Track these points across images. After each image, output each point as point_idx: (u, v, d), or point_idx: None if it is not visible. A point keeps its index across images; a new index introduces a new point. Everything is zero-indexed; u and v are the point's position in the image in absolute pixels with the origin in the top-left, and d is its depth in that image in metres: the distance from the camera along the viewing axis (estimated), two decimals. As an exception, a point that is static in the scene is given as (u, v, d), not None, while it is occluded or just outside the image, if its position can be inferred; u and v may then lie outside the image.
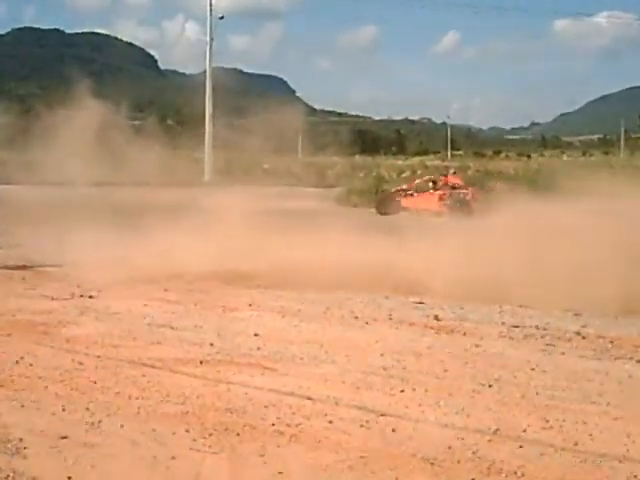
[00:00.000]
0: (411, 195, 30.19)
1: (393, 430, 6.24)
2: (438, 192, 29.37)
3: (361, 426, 6.30)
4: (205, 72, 48.34)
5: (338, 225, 18.33)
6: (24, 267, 14.34)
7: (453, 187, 29.54)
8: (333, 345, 8.98)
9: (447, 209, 27.75)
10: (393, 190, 31.96)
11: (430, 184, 30.45)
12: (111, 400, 6.77)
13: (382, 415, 6.56)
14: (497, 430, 6.27)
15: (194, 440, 5.88)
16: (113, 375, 7.51)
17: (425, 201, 29.15)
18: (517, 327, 10.11)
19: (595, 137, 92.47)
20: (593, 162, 52.95)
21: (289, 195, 34.92)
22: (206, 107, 46.09)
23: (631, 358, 8.67)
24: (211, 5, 46.62)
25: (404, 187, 31.62)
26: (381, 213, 29.97)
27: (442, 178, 30.51)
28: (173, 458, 5.56)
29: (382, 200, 31.28)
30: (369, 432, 6.19)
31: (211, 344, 8.82)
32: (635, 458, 5.75)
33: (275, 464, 5.48)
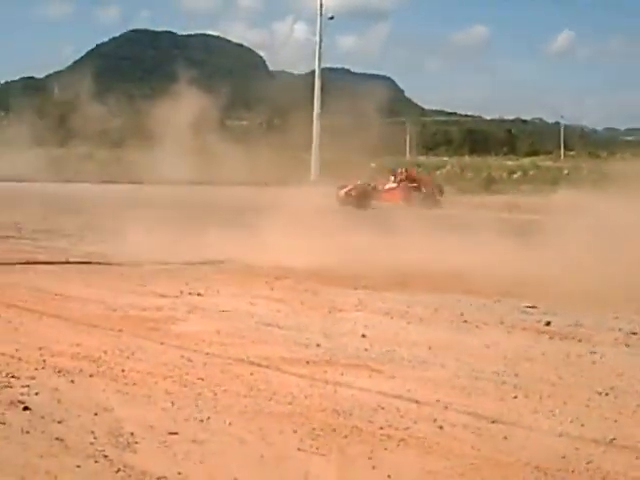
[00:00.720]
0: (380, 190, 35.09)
1: (505, 438, 6.10)
2: (401, 186, 34.93)
3: (472, 432, 6.18)
4: (313, 72, 48.59)
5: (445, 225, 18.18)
6: (135, 264, 14.69)
7: (413, 180, 35.76)
8: (442, 348, 8.87)
9: (408, 202, 32.57)
10: (366, 186, 35.48)
11: (392, 179, 35.64)
12: (219, 397, 6.84)
13: (494, 422, 6.42)
14: (613, 440, 6.08)
15: (301, 440, 5.86)
16: (221, 372, 7.59)
17: (390, 196, 34.14)
18: (635, 334, 9.81)
19: None
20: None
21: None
22: (314, 107, 46.33)
23: None
24: (321, 6, 46.84)
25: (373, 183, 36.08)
26: (359, 207, 32.73)
27: (402, 172, 35.94)
28: (280, 458, 5.57)
29: (359, 196, 34.48)
30: (480, 439, 6.06)
31: (317, 344, 8.83)
32: None
33: (384, 468, 5.41)
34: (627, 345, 9.29)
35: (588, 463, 5.62)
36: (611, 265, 12.92)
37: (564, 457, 5.71)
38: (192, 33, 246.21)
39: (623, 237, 15.13)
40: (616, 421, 6.52)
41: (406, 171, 37.80)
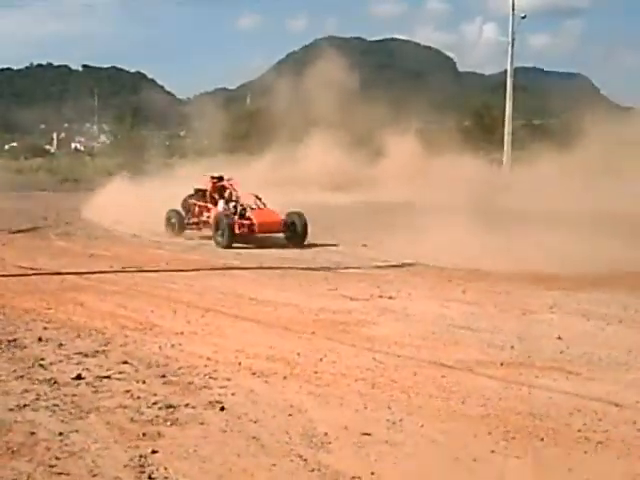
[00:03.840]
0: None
1: None
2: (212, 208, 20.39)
3: None
4: (503, 72, 47.85)
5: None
6: (327, 268, 14.98)
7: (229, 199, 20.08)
8: None
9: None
10: None
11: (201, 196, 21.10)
12: (411, 399, 6.86)
13: None
14: None
15: (496, 443, 5.80)
16: (413, 375, 7.61)
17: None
18: None
19: None
20: None
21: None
22: (506, 107, 45.60)
23: None
24: (513, 4, 46.00)
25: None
26: None
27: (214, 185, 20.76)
28: (475, 460, 5.53)
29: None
30: None
31: (512, 347, 8.69)
32: None
33: (581, 471, 5.29)
34: None
35: None
36: None
37: None
38: (380, 38, 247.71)
39: None
40: None
41: None
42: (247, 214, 19.25)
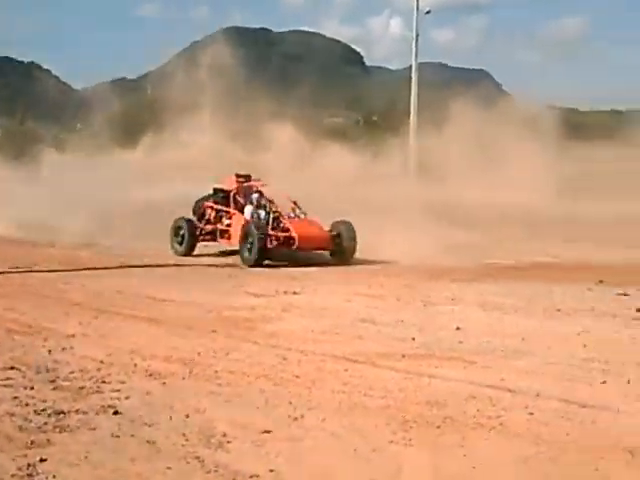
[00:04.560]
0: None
1: (594, 422, 6.15)
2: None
3: (562, 417, 6.21)
4: (410, 67, 48.34)
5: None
6: (232, 265, 14.97)
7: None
8: (534, 337, 8.95)
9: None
10: None
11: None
12: (313, 394, 6.88)
13: (583, 407, 6.47)
14: None
15: (394, 433, 5.87)
16: (315, 370, 7.64)
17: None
18: None
19: None
20: None
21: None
22: (411, 102, 46.10)
23: None
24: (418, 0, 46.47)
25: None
26: None
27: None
28: (374, 451, 5.57)
29: None
30: (570, 424, 6.09)
31: (413, 338, 8.86)
32: None
33: (475, 456, 5.40)
34: None
35: None
36: None
37: None
38: (287, 30, 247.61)
39: None
40: None
41: None
42: (283, 224, 15.92)
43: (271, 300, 11.23)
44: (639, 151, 32.49)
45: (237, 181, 17.35)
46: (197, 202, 17.89)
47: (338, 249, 15.94)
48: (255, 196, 16.61)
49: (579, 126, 41.33)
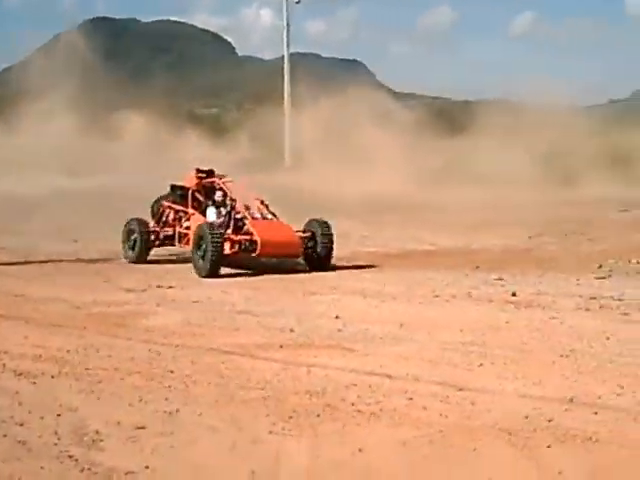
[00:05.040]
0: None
1: (472, 404, 6.30)
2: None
3: (440, 401, 6.35)
4: (283, 57, 48.47)
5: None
6: (102, 260, 14.68)
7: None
8: (413, 324, 9.13)
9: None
10: None
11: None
12: (189, 389, 6.81)
13: (461, 389, 6.63)
14: (573, 398, 6.37)
15: (274, 424, 5.86)
16: (191, 364, 7.56)
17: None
18: (594, 299, 10.30)
19: None
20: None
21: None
22: (285, 92, 46.25)
23: None
24: (287, -11, 46.56)
25: None
26: None
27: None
28: (253, 442, 5.56)
29: None
30: (448, 406, 6.24)
31: (291, 329, 8.89)
32: None
33: (355, 442, 5.45)
34: (587, 309, 9.80)
35: (549, 421, 5.84)
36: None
37: (527, 417, 5.92)
38: (156, 20, 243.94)
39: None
40: (576, 381, 6.85)
41: None
42: (246, 227, 13.82)
43: (145, 295, 11.07)
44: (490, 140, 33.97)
45: (197, 177, 15.36)
46: (156, 201, 15.83)
47: (311, 254, 13.82)
48: (218, 194, 14.62)
49: (453, 116, 42.47)
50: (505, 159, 32.23)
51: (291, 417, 5.99)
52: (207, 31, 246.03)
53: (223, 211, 14.26)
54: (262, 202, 14.40)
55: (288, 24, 46.66)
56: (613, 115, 44.27)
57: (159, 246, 15.35)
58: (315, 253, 13.68)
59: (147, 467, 5.18)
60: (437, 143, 36.19)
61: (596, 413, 6.00)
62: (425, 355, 7.73)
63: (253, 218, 13.94)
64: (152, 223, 15.47)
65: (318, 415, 6.02)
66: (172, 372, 7.28)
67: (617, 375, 6.93)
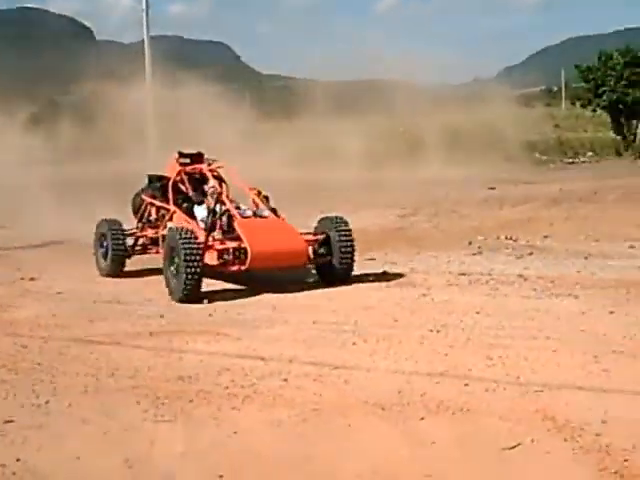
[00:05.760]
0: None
1: (345, 382, 6.47)
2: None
3: (314, 380, 6.50)
4: (143, 41, 47.78)
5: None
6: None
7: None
8: (285, 306, 9.28)
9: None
10: None
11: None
12: (58, 380, 6.75)
13: (335, 368, 6.79)
14: (444, 372, 6.65)
15: (146, 411, 5.89)
16: (58, 355, 7.50)
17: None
18: (464, 275, 10.65)
19: (538, 89, 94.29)
20: (536, 114, 54.19)
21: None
22: (146, 77, 45.62)
23: (569, 295, 9.29)
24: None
25: None
26: None
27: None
28: (126, 430, 5.58)
29: None
30: (323, 385, 6.39)
31: (161, 316, 8.92)
32: (571, 385, 6.14)
33: (230, 425, 5.55)
34: (457, 285, 10.13)
35: (422, 395, 6.07)
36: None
37: (400, 392, 6.14)
38: (9, 7, 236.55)
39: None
40: (447, 355, 7.12)
41: None
42: (235, 229, 10.39)
43: (6, 287, 10.84)
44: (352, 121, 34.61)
45: (179, 163, 12.05)
46: (136, 196, 12.65)
47: (324, 264, 10.62)
48: (211, 184, 11.22)
49: (317, 97, 42.80)
50: (368, 139, 32.73)
51: (163, 404, 6.04)
52: (64, 16, 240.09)
53: (203, 207, 11.03)
54: (259, 193, 11.22)
55: (147, 6, 45.88)
56: (477, 93, 45.40)
57: (141, 253, 12.22)
58: (330, 262, 10.53)
59: (18, 460, 5.14)
60: (303, 124, 36.34)
61: (467, 385, 6.25)
62: (299, 336, 7.87)
63: (242, 216, 10.59)
64: (132, 226, 12.40)
65: (191, 400, 6.08)
66: (39, 364, 7.21)
67: (487, 347, 7.23)
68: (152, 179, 12.37)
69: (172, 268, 9.87)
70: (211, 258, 10.04)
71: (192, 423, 5.64)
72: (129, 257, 12.00)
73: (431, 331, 7.87)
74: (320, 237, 10.60)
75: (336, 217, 10.77)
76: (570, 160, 35.75)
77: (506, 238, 13.63)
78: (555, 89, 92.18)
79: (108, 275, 11.74)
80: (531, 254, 12.04)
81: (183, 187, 11.79)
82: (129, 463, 5.00)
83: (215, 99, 38.12)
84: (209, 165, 11.84)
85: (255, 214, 10.76)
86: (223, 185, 11.37)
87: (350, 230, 10.59)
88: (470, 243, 13.28)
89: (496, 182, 24.28)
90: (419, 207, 17.87)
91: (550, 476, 4.68)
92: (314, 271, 10.93)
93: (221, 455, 5.09)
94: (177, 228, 10.27)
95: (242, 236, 10.10)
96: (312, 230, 10.89)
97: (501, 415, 5.59)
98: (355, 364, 6.90)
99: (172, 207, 11.47)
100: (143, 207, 12.27)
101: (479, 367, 6.70)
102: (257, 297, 9.78)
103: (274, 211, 10.92)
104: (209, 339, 7.87)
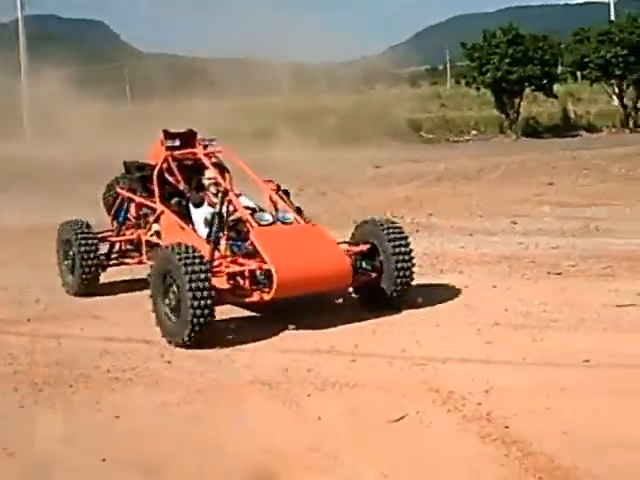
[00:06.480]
0: None
1: (232, 362, 6.51)
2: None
3: (198, 363, 6.48)
4: (17, 20, 46.70)
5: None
6: None
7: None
8: None
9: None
10: None
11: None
12: None
13: (220, 348, 6.80)
14: (332, 348, 6.75)
15: (23, 397, 5.79)
16: None
17: None
18: None
19: (423, 68, 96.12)
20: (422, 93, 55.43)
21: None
22: (21, 58, 44.58)
23: (454, 270, 9.57)
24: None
25: None
26: None
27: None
28: (3, 418, 5.47)
29: None
30: (207, 366, 6.40)
31: (37, 300, 8.74)
32: (455, 358, 6.33)
33: (111, 409, 5.50)
34: None
35: (309, 371, 6.18)
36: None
37: (287, 370, 6.23)
38: None
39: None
40: (335, 332, 7.21)
41: None
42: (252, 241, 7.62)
43: None
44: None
45: (166, 146, 9.24)
46: (109, 188, 10.17)
47: (370, 285, 7.97)
48: (209, 175, 8.69)
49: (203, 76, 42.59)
50: (250, 118, 32.80)
51: (42, 390, 5.94)
52: None
53: (209, 209, 8.23)
54: (278, 189, 8.62)
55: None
56: (363, 71, 45.91)
57: (118, 264, 9.59)
58: (380, 283, 7.90)
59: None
60: (188, 104, 36.00)
61: (354, 360, 6.37)
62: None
63: (260, 225, 7.74)
64: (106, 228, 9.85)
65: (71, 385, 6.01)
66: None
67: (374, 324, 7.37)
68: (130, 168, 9.66)
69: (167, 301, 7.11)
70: (219, 282, 7.28)
71: (72, 408, 5.58)
72: (104, 269, 9.41)
73: (321, 310, 7.94)
74: (364, 248, 8.10)
75: (385, 221, 8.40)
76: (455, 139, 36.66)
77: (392, 216, 13.77)
78: (441, 68, 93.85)
79: (75, 294, 9.13)
80: (417, 231, 12.22)
81: (172, 178, 9.08)
82: (9, 451, 4.91)
83: (82, 80, 37.54)
84: (205, 148, 9.07)
85: (277, 219, 7.95)
86: (226, 176, 8.78)
87: (407, 238, 8.05)
88: (355, 222, 13.30)
89: (383, 161, 24.61)
90: (304, 187, 17.87)
91: (435, 445, 4.79)
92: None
93: (103, 439, 5.03)
94: (173, 247, 7.12)
95: (263, 253, 7.36)
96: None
97: (387, 389, 5.71)
98: (240, 344, 6.92)
99: (159, 205, 8.79)
100: (118, 203, 9.62)
101: (365, 343, 6.81)
102: (131, 282, 9.42)
103: (299, 211, 8.30)
104: (88, 323, 7.76)
